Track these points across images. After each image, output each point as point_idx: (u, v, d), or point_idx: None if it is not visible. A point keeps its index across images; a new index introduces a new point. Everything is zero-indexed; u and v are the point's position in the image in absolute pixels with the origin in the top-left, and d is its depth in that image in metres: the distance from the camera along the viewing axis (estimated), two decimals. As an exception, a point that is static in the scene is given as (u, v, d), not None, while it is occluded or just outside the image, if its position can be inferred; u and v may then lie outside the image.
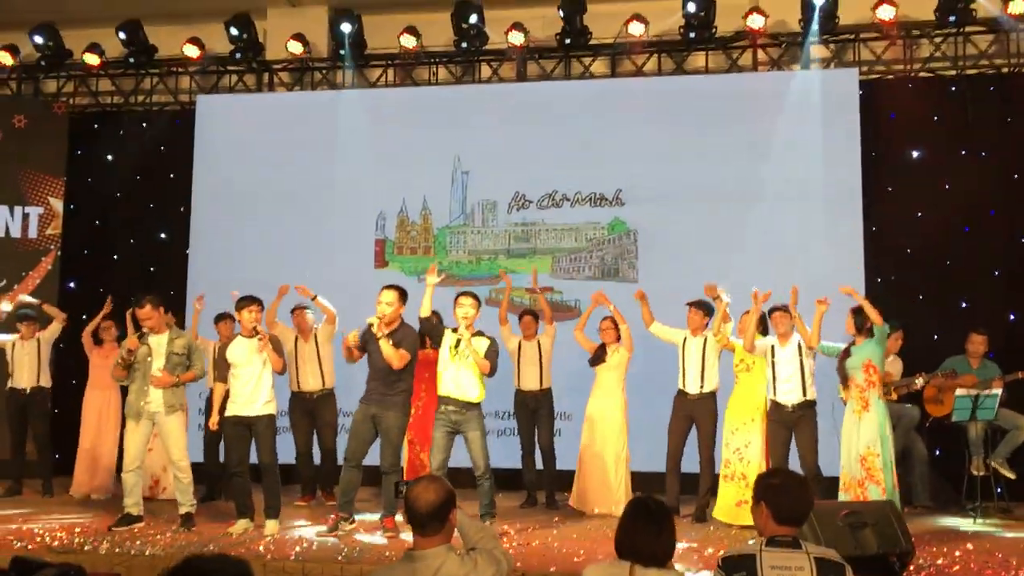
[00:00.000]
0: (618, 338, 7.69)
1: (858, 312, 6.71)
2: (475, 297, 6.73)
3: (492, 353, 6.60)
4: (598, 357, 7.75)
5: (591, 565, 3.69)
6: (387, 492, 6.68)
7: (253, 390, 6.73)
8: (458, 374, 6.58)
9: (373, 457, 6.79)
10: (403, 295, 6.68)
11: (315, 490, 8.16)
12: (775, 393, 7.08)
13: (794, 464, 7.05)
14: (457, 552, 3.34)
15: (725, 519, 7.12)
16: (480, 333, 6.67)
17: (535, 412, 7.99)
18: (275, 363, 6.75)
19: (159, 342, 6.92)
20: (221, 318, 8.29)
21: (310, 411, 8.03)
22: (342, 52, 10.11)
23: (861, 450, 6.44)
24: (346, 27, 9.91)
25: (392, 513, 6.64)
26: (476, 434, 6.59)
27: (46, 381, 8.63)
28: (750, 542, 3.71)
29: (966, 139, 9.13)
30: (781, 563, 3.33)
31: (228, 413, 6.79)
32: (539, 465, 8.11)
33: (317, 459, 8.21)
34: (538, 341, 8.02)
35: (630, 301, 7.86)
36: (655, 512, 3.57)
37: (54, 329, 8.69)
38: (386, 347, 6.48)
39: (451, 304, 6.79)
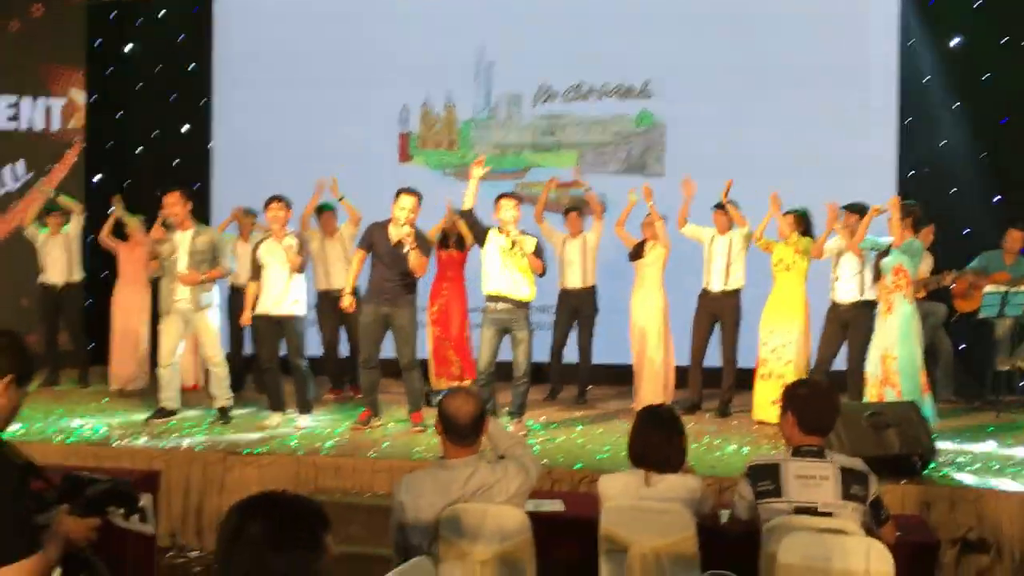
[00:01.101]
0: (656, 234, 7.63)
1: (906, 206, 6.56)
2: (516, 197, 6.68)
3: (541, 251, 6.57)
4: (636, 252, 7.72)
5: (606, 475, 3.79)
6: (411, 388, 6.78)
7: (282, 289, 6.77)
8: (511, 274, 6.54)
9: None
10: (420, 199, 6.61)
11: (343, 384, 8.32)
12: (834, 292, 7.07)
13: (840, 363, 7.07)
14: (487, 460, 3.42)
15: (763, 418, 7.16)
16: (524, 232, 6.61)
17: (577, 310, 8.00)
18: (292, 262, 6.72)
19: (183, 239, 6.94)
20: (243, 213, 8.31)
21: (337, 307, 8.08)
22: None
23: (881, 351, 6.45)
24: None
25: (418, 408, 6.78)
26: (524, 334, 6.60)
27: (78, 275, 8.73)
28: (774, 452, 3.77)
29: (1008, 25, 8.78)
30: (806, 472, 3.41)
31: (258, 311, 6.85)
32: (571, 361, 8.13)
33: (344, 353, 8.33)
34: (584, 237, 7.95)
35: (657, 196, 7.77)
36: (665, 419, 3.66)
37: (77, 221, 8.71)
38: (415, 257, 6.47)
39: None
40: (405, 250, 6.49)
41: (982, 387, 7.78)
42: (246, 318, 6.97)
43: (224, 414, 6.99)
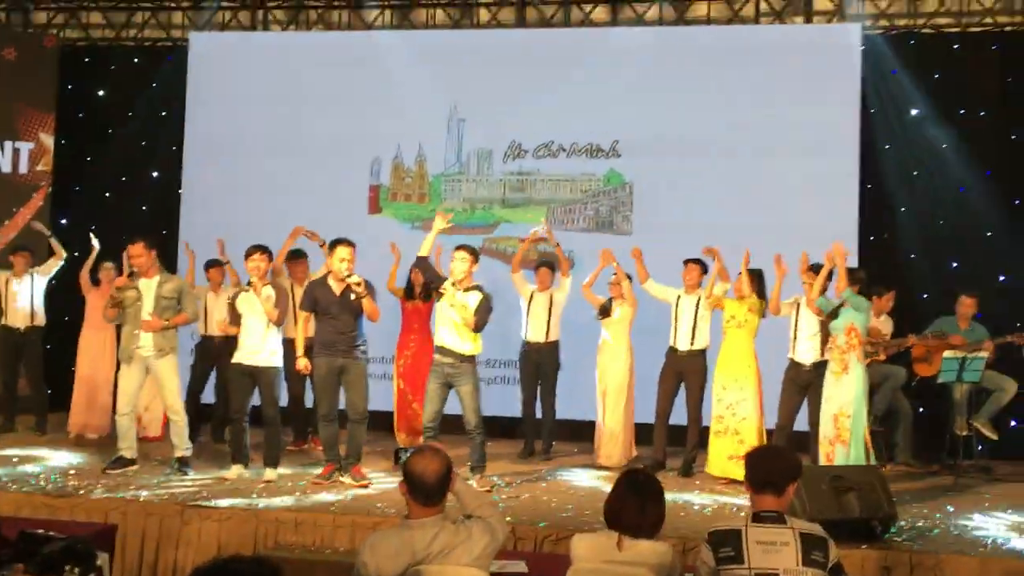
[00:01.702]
0: (623, 294, 7.73)
1: (852, 272, 6.72)
2: (471, 251, 6.71)
3: (483, 309, 6.58)
4: (604, 311, 7.81)
5: (580, 534, 3.78)
6: (354, 440, 6.72)
7: (260, 341, 6.75)
8: (449, 327, 6.62)
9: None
10: (355, 248, 6.60)
11: (307, 436, 8.24)
12: (794, 351, 7.16)
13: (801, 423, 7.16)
14: (453, 520, 3.40)
15: (718, 473, 7.23)
16: (478, 287, 6.66)
17: (539, 365, 8.03)
18: (269, 313, 6.72)
19: (148, 285, 6.90)
20: (211, 264, 8.28)
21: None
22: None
23: (835, 410, 6.55)
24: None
25: (359, 461, 6.74)
26: (468, 388, 6.65)
27: (40, 320, 8.60)
28: (741, 513, 3.80)
29: (965, 98, 9.09)
30: (767, 538, 3.42)
31: (234, 360, 6.82)
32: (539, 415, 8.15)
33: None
34: (551, 294, 8.03)
35: (626, 254, 7.91)
36: (643, 485, 3.65)
37: (51, 265, 8.59)
38: (368, 304, 6.52)
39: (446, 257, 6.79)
40: (354, 298, 6.52)
41: (941, 451, 7.87)
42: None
43: (183, 464, 6.90)
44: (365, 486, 6.57)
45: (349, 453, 6.76)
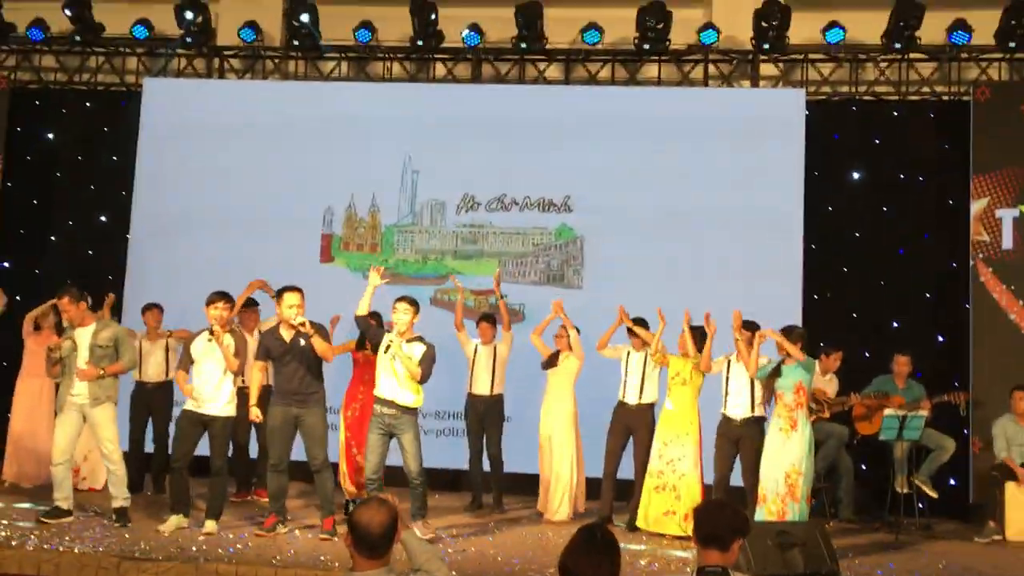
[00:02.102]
0: (570, 346, 7.79)
1: (789, 332, 6.87)
2: (412, 303, 6.73)
3: (427, 360, 6.60)
4: (550, 362, 7.85)
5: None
6: (323, 491, 6.67)
7: (215, 389, 6.65)
8: (393, 378, 6.61)
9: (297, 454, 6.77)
10: (303, 294, 6.58)
11: (250, 487, 8.11)
12: (725, 407, 7.25)
13: (736, 478, 7.21)
14: (396, 573, 3.37)
15: (653, 528, 7.25)
16: (420, 339, 6.69)
17: (484, 417, 8.02)
18: (229, 363, 6.65)
19: (83, 335, 6.79)
20: (148, 308, 8.19)
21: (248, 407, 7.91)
22: (296, 42, 10.00)
23: (786, 467, 6.62)
24: (303, 17, 9.81)
25: (331, 514, 6.65)
26: (409, 437, 6.63)
27: (-18, 367, 8.42)
28: (687, 568, 3.82)
29: (905, 163, 9.42)
30: (712, 593, 3.44)
31: (186, 407, 6.71)
32: (487, 468, 8.13)
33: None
34: (494, 347, 8.05)
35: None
36: (600, 543, 3.61)
37: None
38: (319, 343, 6.48)
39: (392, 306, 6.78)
40: (303, 342, 6.48)
41: (882, 508, 7.99)
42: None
43: (121, 515, 6.73)
44: (330, 539, 6.47)
45: (321, 504, 6.69)
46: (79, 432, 6.85)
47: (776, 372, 6.81)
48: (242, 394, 7.79)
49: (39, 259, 10.16)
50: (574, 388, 7.84)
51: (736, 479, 7.20)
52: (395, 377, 6.60)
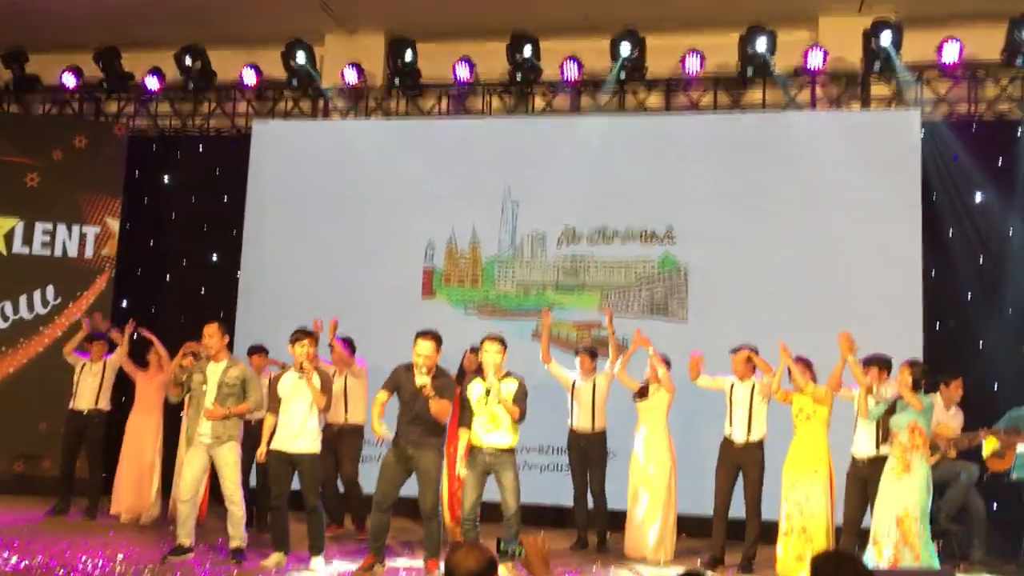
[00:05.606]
0: (659, 378, 7.55)
1: (914, 366, 6.48)
2: (501, 341, 6.63)
3: (521, 396, 6.51)
4: (642, 392, 7.64)
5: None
6: (429, 534, 6.57)
7: (300, 426, 6.67)
8: (491, 423, 6.51)
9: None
10: (439, 342, 6.52)
11: (342, 519, 8.11)
12: (854, 445, 6.89)
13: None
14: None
15: (788, 574, 6.88)
16: (509, 374, 6.59)
17: (587, 454, 7.84)
18: (317, 400, 6.67)
19: (214, 371, 6.88)
20: (254, 351, 8.30)
21: (333, 444, 7.87)
22: (397, 81, 10.15)
23: (899, 511, 6.23)
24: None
25: (436, 555, 6.55)
26: (509, 476, 6.52)
27: (105, 404, 8.68)
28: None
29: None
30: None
31: (273, 447, 6.72)
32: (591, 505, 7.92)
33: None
34: (594, 381, 7.88)
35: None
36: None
37: (120, 354, 8.69)
38: (435, 405, 6.38)
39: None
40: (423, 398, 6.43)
41: (1016, 550, 7.45)
42: (261, 453, 6.82)
43: (238, 555, 6.77)
44: None
45: (426, 546, 6.60)
46: (205, 470, 6.95)
47: (891, 410, 6.42)
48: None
49: (155, 299, 10.51)
50: (667, 420, 7.58)
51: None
52: (493, 422, 6.51)
